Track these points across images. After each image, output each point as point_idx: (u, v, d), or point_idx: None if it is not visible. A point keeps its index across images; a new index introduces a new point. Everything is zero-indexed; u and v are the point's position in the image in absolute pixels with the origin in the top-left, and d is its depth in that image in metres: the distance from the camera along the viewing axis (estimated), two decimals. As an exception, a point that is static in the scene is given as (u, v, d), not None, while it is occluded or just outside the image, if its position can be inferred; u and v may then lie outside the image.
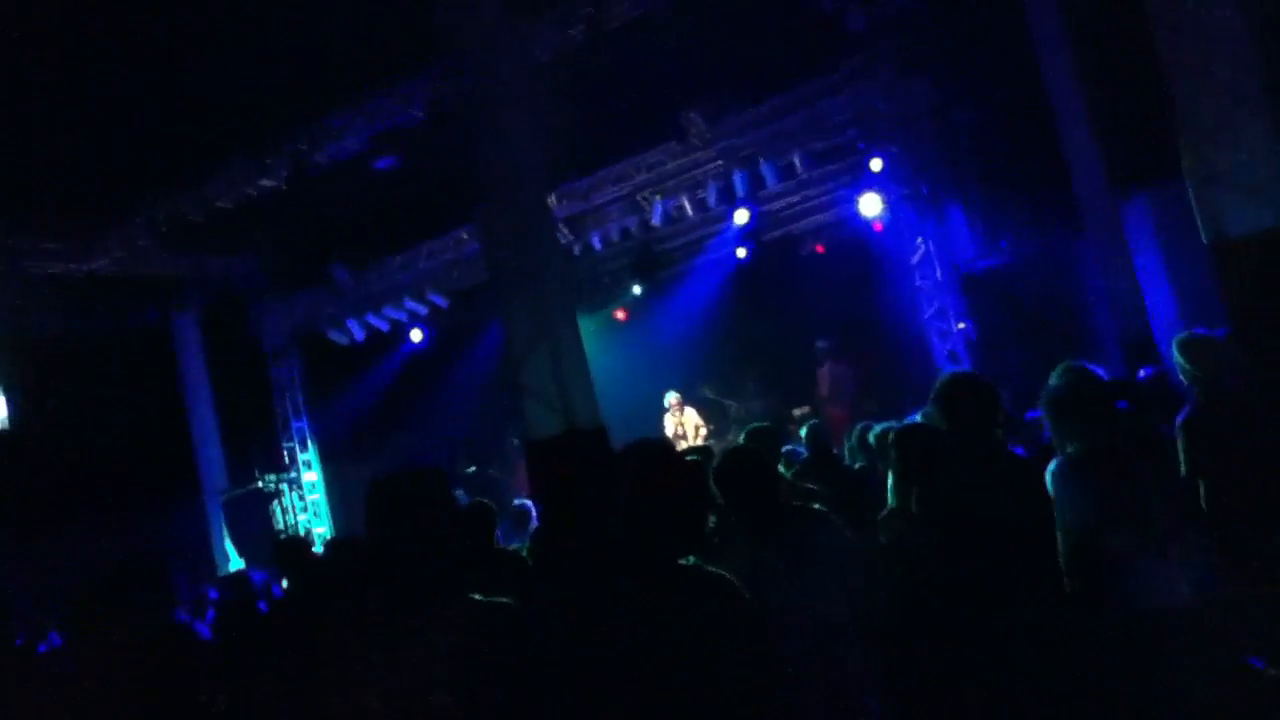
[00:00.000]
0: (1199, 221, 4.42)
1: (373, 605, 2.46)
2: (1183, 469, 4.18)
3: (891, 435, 4.38)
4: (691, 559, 2.30)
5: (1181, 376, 4.38)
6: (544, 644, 2.39)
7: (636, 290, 13.06)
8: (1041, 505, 3.68)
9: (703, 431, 11.56)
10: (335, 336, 12.95)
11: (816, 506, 3.42)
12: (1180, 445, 4.19)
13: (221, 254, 12.43)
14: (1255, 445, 4.03)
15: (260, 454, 13.07)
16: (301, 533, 12.53)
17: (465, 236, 11.83)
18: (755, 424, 5.70)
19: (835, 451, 7.17)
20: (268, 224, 11.25)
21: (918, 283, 10.46)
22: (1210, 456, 4.12)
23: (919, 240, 10.40)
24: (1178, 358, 4.33)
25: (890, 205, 10.50)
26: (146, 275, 12.03)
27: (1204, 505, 4.18)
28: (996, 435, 3.94)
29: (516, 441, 11.58)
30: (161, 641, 3.18)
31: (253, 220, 10.86)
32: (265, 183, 10.14)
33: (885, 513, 4.21)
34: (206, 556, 12.52)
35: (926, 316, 10.41)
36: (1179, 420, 4.23)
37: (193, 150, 9.61)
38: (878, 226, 11.15)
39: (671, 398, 11.70)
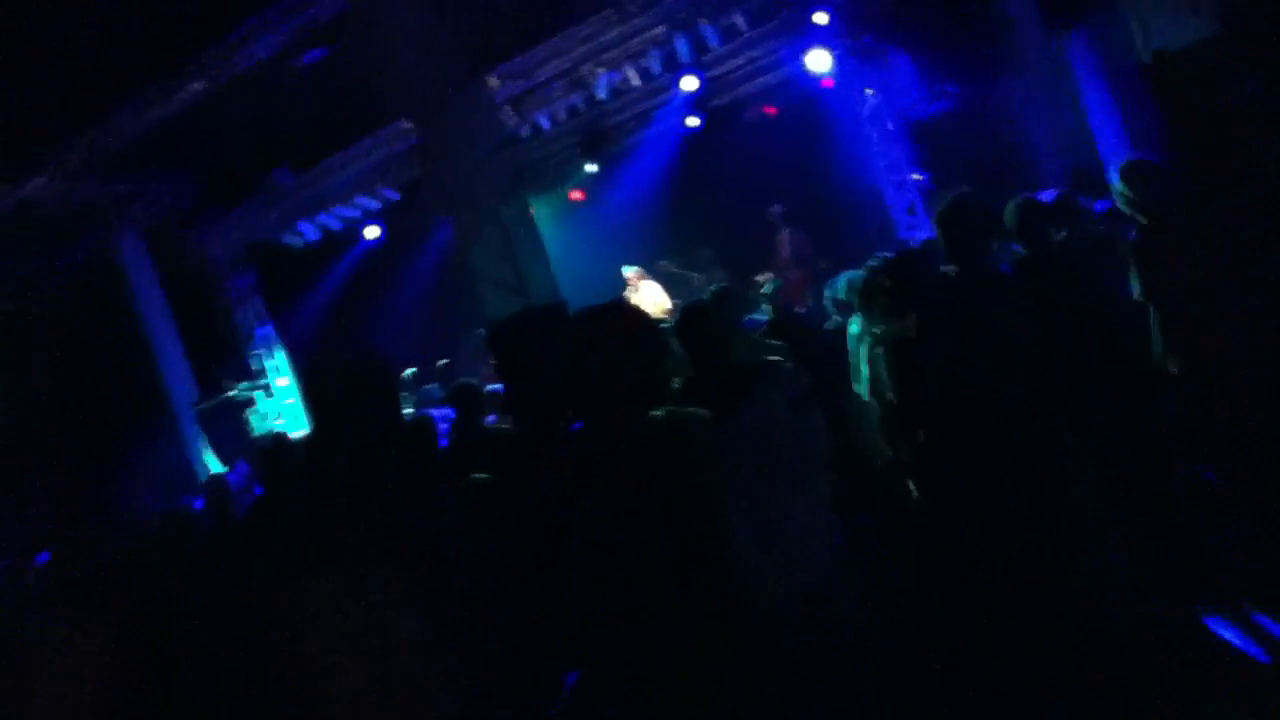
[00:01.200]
0: (1137, 43, 4.41)
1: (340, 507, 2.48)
2: (1136, 292, 4.30)
3: (880, 270, 4.48)
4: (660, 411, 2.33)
5: (1123, 205, 4.46)
6: (531, 520, 2.45)
7: (590, 169, 12.88)
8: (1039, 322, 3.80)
9: (665, 305, 11.59)
10: (289, 240, 12.78)
11: (774, 359, 3.50)
12: (1133, 270, 4.30)
13: (160, 173, 12.11)
14: (1197, 267, 4.15)
15: (229, 366, 13.03)
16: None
17: (408, 126, 11.56)
18: (719, 285, 5.71)
19: (800, 311, 7.31)
20: (206, 137, 10.95)
21: (868, 135, 10.41)
22: (1157, 283, 4.24)
23: (867, 92, 10.31)
24: (1117, 185, 4.40)
25: (837, 60, 10.34)
26: (84, 201, 11.72)
27: (1156, 330, 4.33)
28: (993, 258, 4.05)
29: (481, 331, 11.60)
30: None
31: (189, 135, 10.56)
32: (195, 86, 9.82)
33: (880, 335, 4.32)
34: (188, 471, 12.61)
35: (879, 169, 10.41)
36: (1127, 249, 4.33)
37: (116, 70, 9.29)
38: (827, 83, 11.00)
39: (629, 272, 11.60)
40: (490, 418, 5.60)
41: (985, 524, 3.60)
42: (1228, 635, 3.61)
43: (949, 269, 3.98)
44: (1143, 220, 4.35)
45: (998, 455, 3.57)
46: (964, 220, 3.88)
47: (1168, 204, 4.27)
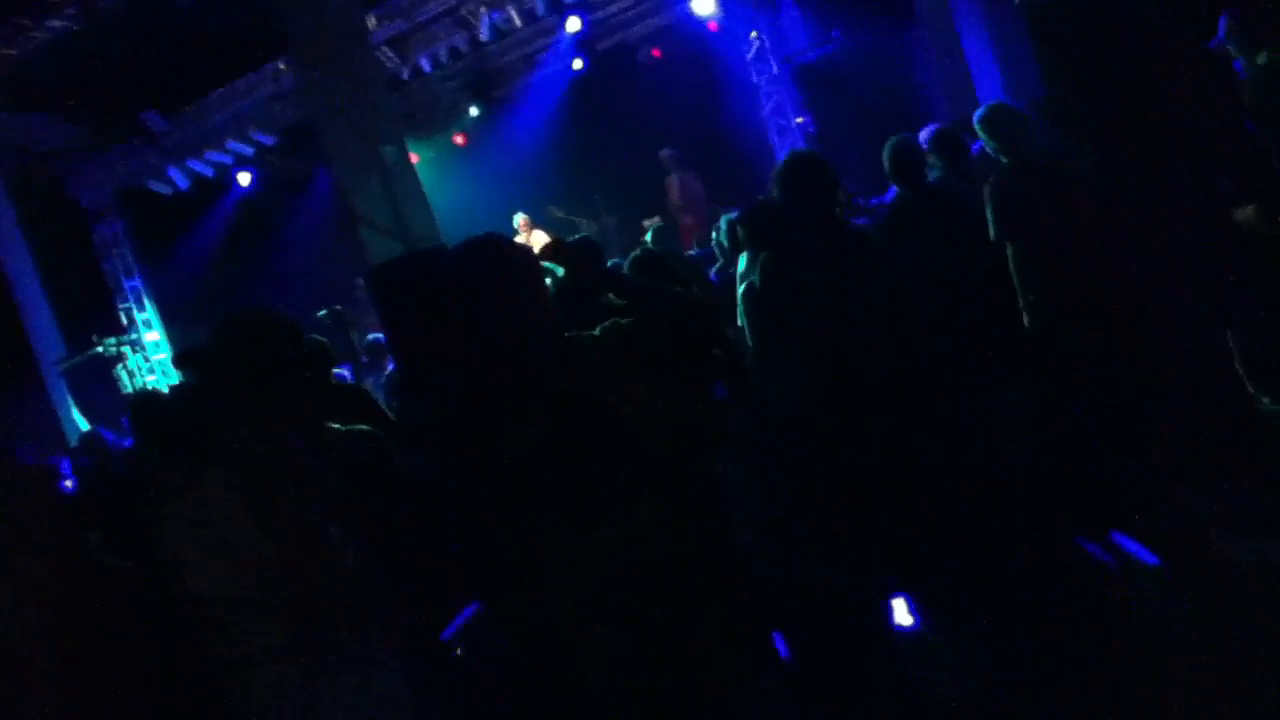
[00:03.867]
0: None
1: (237, 448, 2.43)
2: (991, 233, 4.44)
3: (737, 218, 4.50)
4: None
5: (988, 150, 4.58)
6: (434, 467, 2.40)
7: (474, 112, 12.60)
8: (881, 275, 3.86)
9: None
10: (158, 188, 12.20)
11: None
12: (989, 212, 4.43)
13: (25, 112, 11.36)
14: (1053, 209, 4.29)
15: (96, 319, 12.41)
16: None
17: (283, 68, 11.10)
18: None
19: (691, 254, 7.32)
20: (71, 75, 10.30)
21: (754, 79, 10.44)
22: (1012, 221, 4.38)
23: (753, 35, 10.31)
24: (980, 132, 4.51)
25: (722, 3, 10.32)
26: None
27: (1012, 268, 4.48)
28: (835, 213, 4.07)
29: (361, 281, 11.30)
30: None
31: (56, 73, 9.92)
32: (54, 24, 9.20)
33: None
34: (55, 430, 12.04)
35: (765, 114, 10.46)
36: (985, 189, 4.45)
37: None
38: (713, 26, 10.97)
39: (519, 219, 11.46)
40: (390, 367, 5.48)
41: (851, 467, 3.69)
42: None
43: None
44: (1003, 160, 4.48)
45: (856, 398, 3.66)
46: (798, 175, 3.89)
47: (1025, 145, 4.41)
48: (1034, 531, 3.95)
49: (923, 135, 5.31)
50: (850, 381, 3.66)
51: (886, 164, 4.68)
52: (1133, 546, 3.75)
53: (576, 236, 5.77)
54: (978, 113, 4.50)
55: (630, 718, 2.15)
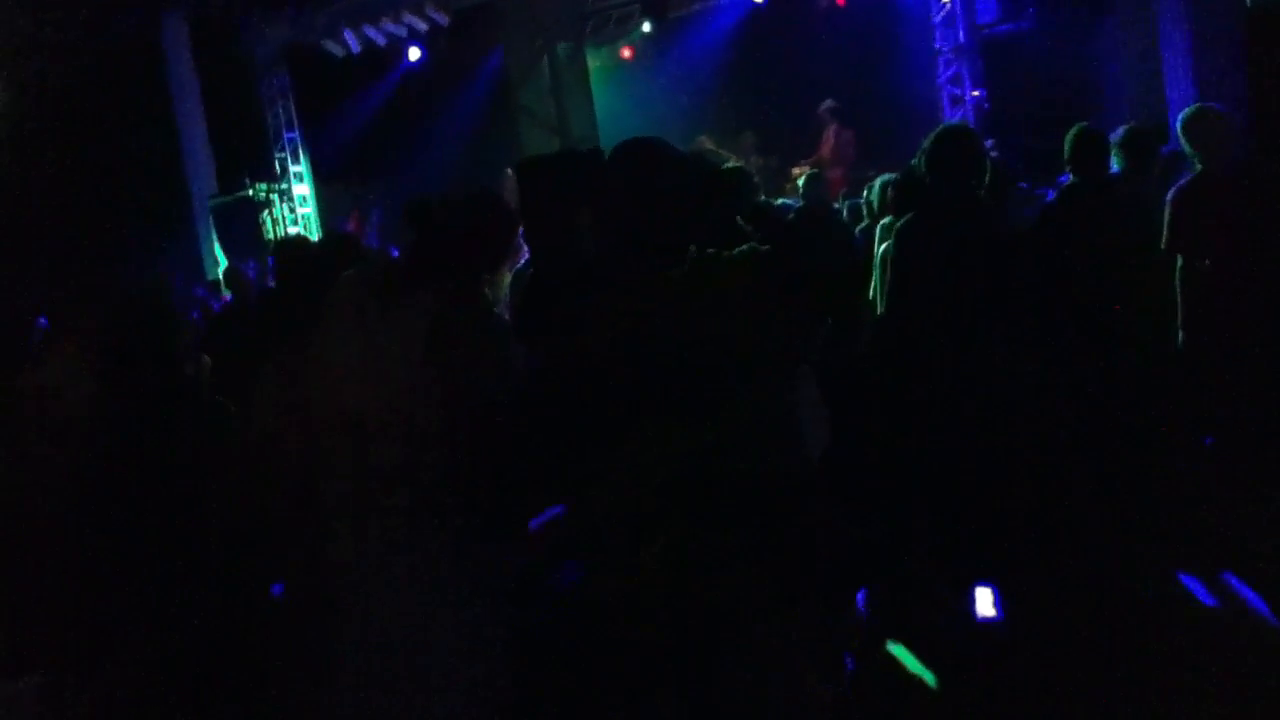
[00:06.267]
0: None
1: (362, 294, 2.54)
2: (1164, 244, 4.25)
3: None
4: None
5: (1187, 157, 4.35)
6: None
7: (646, 28, 12.49)
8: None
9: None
10: (329, 47, 12.50)
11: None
12: (1166, 218, 4.23)
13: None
14: (1245, 224, 4.08)
15: (252, 164, 12.92)
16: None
17: (469, -50, 11.19)
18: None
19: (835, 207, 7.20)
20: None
21: (936, 44, 10.07)
22: (1189, 230, 4.18)
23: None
24: (1180, 134, 4.29)
25: (920, -42, 9.95)
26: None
27: (1177, 281, 4.29)
28: (978, 194, 3.93)
29: (510, 171, 11.40)
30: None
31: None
32: None
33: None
34: (196, 261, 12.67)
35: (941, 82, 10.10)
36: (1169, 195, 4.25)
37: None
38: (905, -19, 10.62)
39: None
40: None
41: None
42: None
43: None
44: (1198, 168, 4.26)
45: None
46: (949, 151, 3.75)
47: (1227, 155, 4.18)
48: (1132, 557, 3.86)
49: (1114, 135, 5.07)
50: (946, 369, 3.57)
51: (1067, 150, 4.50)
52: (1247, 593, 3.62)
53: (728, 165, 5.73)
54: (1183, 113, 4.28)
55: (669, 638, 2.18)
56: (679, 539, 2.14)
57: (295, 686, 2.62)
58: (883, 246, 4.88)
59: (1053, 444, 3.60)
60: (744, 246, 2.38)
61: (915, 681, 3.37)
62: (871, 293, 5.04)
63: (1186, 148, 4.29)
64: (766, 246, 2.38)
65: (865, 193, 6.31)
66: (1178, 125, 4.37)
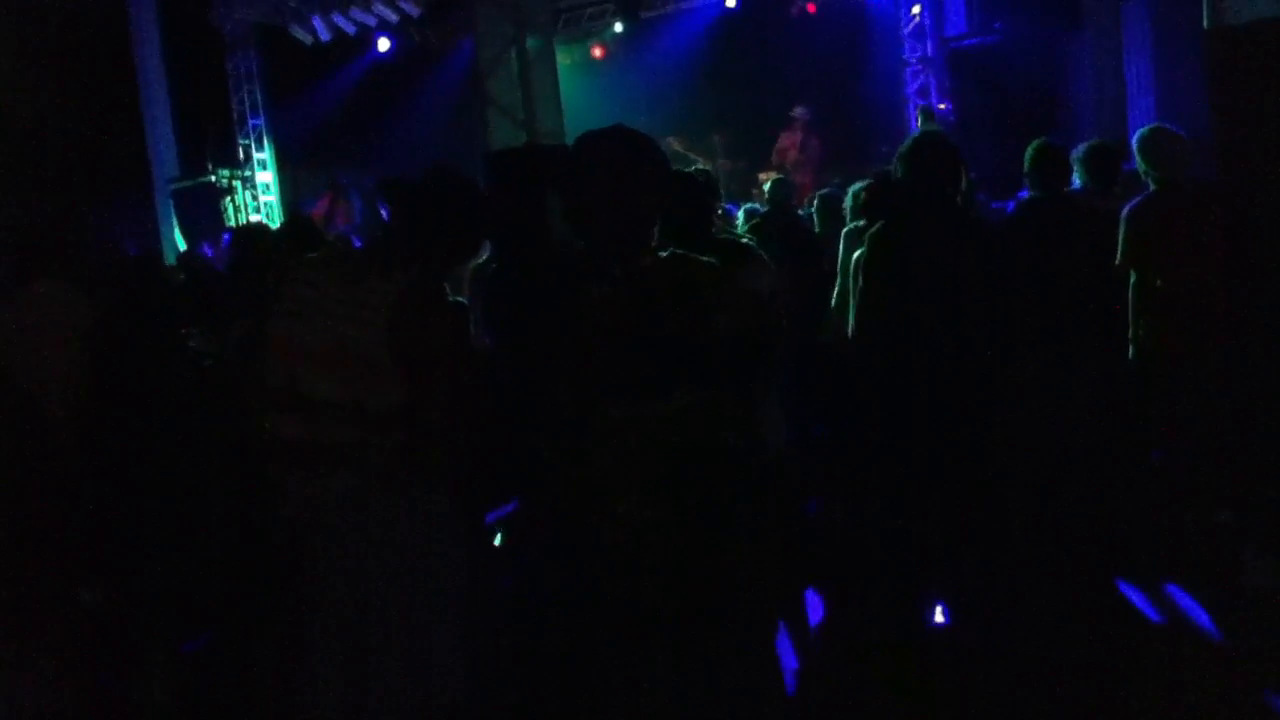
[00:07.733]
0: (1205, 8, 4.26)
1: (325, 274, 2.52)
2: (1118, 257, 4.31)
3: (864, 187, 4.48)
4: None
5: (1142, 176, 4.42)
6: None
7: (618, 27, 12.50)
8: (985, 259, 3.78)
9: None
10: (298, 33, 12.33)
11: (745, 240, 3.46)
12: (1121, 235, 4.30)
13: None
14: (1198, 241, 4.14)
15: (215, 148, 12.71)
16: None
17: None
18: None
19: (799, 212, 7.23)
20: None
21: (905, 55, 10.17)
22: (1144, 247, 4.25)
23: (915, 10, 10.02)
24: (1136, 153, 4.36)
25: (891, -32, 10.05)
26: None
27: (1130, 296, 4.36)
28: (955, 200, 3.97)
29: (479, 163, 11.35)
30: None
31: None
32: None
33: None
34: (155, 246, 12.42)
35: (909, 92, 10.21)
36: (1124, 210, 4.32)
37: None
38: (876, -10, 10.71)
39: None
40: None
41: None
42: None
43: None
44: (1152, 186, 4.33)
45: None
46: (928, 157, 3.78)
47: (1180, 174, 4.25)
48: (1078, 559, 3.91)
49: (1075, 151, 5.14)
50: (920, 368, 3.60)
51: (1027, 165, 4.54)
52: (1188, 604, 3.68)
53: (694, 168, 5.75)
54: (1139, 131, 4.35)
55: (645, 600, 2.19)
56: (648, 518, 2.15)
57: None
58: (856, 254, 4.92)
59: (994, 450, 3.63)
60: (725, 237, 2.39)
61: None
62: (834, 298, 5.07)
63: (1141, 166, 4.37)
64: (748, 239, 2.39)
65: (811, 203, 6.35)
66: (1134, 144, 4.45)
